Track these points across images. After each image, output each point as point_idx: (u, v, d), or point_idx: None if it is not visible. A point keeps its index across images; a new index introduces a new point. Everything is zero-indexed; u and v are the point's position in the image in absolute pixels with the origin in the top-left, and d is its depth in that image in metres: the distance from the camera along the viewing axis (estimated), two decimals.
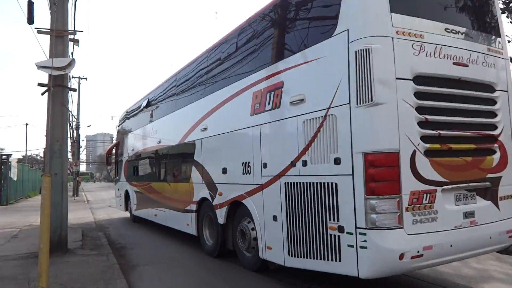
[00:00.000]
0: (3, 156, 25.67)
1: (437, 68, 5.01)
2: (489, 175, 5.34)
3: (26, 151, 64.48)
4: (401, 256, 4.49)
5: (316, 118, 5.23)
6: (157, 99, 11.51)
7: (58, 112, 8.30)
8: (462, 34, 5.35)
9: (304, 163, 5.41)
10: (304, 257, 5.43)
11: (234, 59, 7.31)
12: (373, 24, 4.76)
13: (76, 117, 34.93)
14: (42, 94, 8.25)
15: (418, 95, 4.86)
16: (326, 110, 5.07)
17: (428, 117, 4.91)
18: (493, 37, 5.82)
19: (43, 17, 10.22)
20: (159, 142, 10.97)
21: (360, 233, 4.65)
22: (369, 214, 4.57)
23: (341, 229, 4.89)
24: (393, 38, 4.76)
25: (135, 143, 13.48)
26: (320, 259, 5.18)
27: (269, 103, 6.12)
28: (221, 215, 7.52)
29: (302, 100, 5.47)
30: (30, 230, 11.77)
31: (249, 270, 6.96)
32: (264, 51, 6.42)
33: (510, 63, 6.91)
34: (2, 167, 24.29)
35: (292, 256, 5.64)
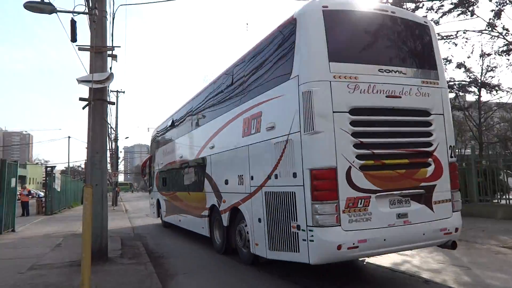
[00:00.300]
0: (48, 168, 26.85)
1: (370, 101, 6.32)
2: (423, 184, 6.56)
3: (68, 163, 67.09)
4: (339, 247, 5.86)
5: (282, 141, 6.66)
6: (178, 120, 13.51)
7: (98, 125, 8.63)
8: (395, 72, 6.65)
9: (276, 176, 6.84)
10: (278, 250, 6.80)
11: (229, 92, 9.11)
12: (315, 71, 6.19)
13: (114, 129, 36.06)
14: (83, 108, 8.60)
15: (354, 123, 6.19)
16: (287, 135, 6.51)
17: (363, 140, 6.22)
18: (429, 70, 7.04)
19: (83, 35, 10.66)
20: (181, 157, 12.77)
21: (309, 230, 6.01)
22: (314, 215, 5.94)
23: (298, 227, 6.24)
24: (330, 81, 6.15)
25: (163, 157, 15.45)
26: (288, 251, 6.52)
27: (253, 128, 7.67)
28: (225, 219, 9.05)
29: (273, 127, 6.96)
30: (73, 239, 12.21)
31: (244, 264, 8.34)
32: (248, 87, 8.07)
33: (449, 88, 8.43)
34: (47, 178, 25.45)
35: (271, 250, 7.02)
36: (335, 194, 5.94)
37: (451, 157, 6.91)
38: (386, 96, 6.44)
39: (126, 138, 58.06)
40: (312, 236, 5.96)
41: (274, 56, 7.23)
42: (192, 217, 11.74)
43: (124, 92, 36.96)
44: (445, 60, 15.93)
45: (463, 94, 20.89)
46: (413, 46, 7.17)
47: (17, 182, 15.33)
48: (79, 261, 7.73)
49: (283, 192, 6.61)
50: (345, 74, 6.26)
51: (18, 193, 18.95)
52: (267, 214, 7.10)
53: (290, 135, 6.45)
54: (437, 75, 7.05)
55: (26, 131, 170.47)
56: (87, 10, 8.80)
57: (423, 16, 13.32)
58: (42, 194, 33.04)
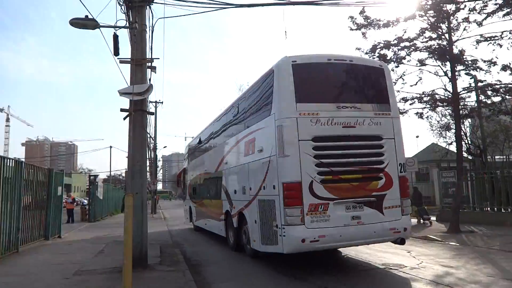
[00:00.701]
0: (91, 177, 27.82)
1: (329, 131, 8.38)
2: (375, 193, 8.45)
3: (110, 171, 68.76)
4: (303, 240, 7.86)
5: (266, 161, 8.79)
6: (203, 139, 16.25)
7: (138, 135, 8.88)
8: (351, 108, 8.64)
9: (264, 188, 8.96)
10: (266, 245, 8.82)
11: (236, 120, 11.54)
12: (285, 110, 8.35)
13: (153, 138, 36.93)
14: (124, 118, 8.89)
15: (316, 148, 8.22)
16: (269, 157, 8.65)
17: (323, 160, 8.23)
18: (382, 104, 8.92)
19: (123, 49, 11.02)
20: (205, 170, 15.21)
21: (283, 228, 8.02)
22: (285, 217, 7.97)
23: (277, 226, 8.24)
24: (297, 118, 8.26)
25: (193, 170, 18.23)
26: (272, 244, 8.53)
27: (250, 150, 9.89)
28: (235, 221, 11.04)
29: (261, 150, 9.12)
30: (114, 245, 12.59)
31: (249, 256, 10.28)
32: (247, 118, 10.39)
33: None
34: (90, 186, 26.43)
35: (263, 244, 9.02)
36: (300, 201, 7.98)
37: (401, 172, 8.75)
38: (343, 127, 8.46)
39: (164, 147, 58.76)
40: (284, 232, 8.00)
41: (261, 96, 9.49)
42: (214, 221, 13.86)
43: (162, 102, 38.07)
44: (489, 62, 15.28)
45: (510, 97, 19.93)
46: (368, 86, 9.17)
47: (63, 190, 16.02)
48: (120, 267, 7.94)
49: (268, 200, 8.69)
50: (309, 111, 8.35)
51: (63, 200, 19.66)
52: (259, 217, 9.18)
53: (271, 157, 8.59)
54: (389, 108, 8.97)
55: (71, 142, 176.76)
56: (127, 25, 9.13)
57: (461, 20, 15.01)
58: (85, 202, 34.26)
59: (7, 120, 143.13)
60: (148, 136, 30.20)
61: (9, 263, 9.67)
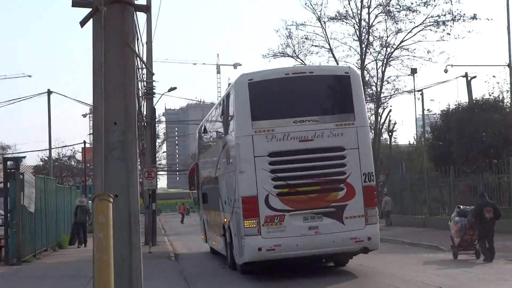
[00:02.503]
0: (9, 163, 12.95)
1: (285, 146, 9.12)
2: (334, 204, 9.06)
3: (50, 149, 30.45)
4: (259, 249, 8.89)
5: (234, 174, 9.66)
6: (208, 127, 14.28)
7: (114, 59, 3.88)
8: (309, 121, 9.22)
9: (236, 200, 9.57)
10: (239, 256, 9.60)
11: (218, 125, 12.26)
12: (241, 129, 9.35)
13: (147, 66, 15.83)
14: (83, 23, 3.93)
15: (273, 163, 9.06)
16: (234, 171, 9.59)
17: (279, 174, 9.07)
18: (346, 114, 9.37)
19: None
20: (209, 172, 13.46)
21: (243, 238, 9.05)
22: (244, 228, 8.99)
23: (241, 237, 9.15)
24: (252, 135, 9.14)
25: (203, 167, 14.78)
26: (241, 256, 9.45)
27: (230, 159, 10.24)
28: (228, 235, 10.87)
29: (232, 163, 9.86)
30: None
31: (240, 272, 10.31)
32: (224, 126, 11.16)
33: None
34: (8, 183, 12.38)
35: (239, 256, 9.69)
36: (257, 214, 8.92)
37: (365, 182, 9.13)
38: (299, 141, 9.11)
39: (171, 89, 24.64)
40: (244, 242, 9.03)
41: (226, 111, 10.56)
42: (218, 237, 12.40)
43: None
44: None
45: None
46: (330, 96, 9.82)
47: None
48: None
49: (238, 212, 9.44)
50: (264, 128, 9.11)
51: None
52: (236, 229, 9.73)
53: (235, 171, 9.49)
54: (353, 117, 9.29)
55: None
56: None
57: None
58: None
59: None
60: (138, 62, 9.92)
61: None
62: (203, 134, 14.96)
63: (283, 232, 8.79)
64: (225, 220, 10.85)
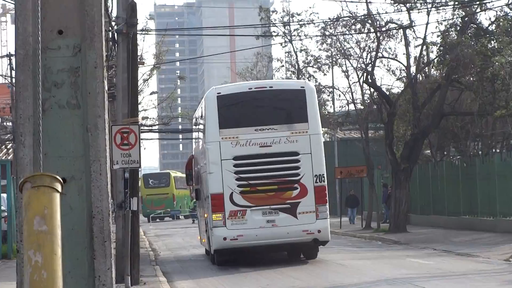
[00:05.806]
0: None
1: (248, 151, 11.30)
2: (289, 201, 11.21)
3: None
4: (224, 239, 10.95)
5: (205, 174, 11.89)
6: (197, 115, 15.03)
7: None
8: (268, 130, 11.35)
9: (208, 197, 11.79)
10: (211, 246, 11.70)
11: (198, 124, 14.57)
12: (210, 136, 11.57)
13: None
14: None
15: (237, 165, 11.23)
16: (206, 172, 11.64)
17: (242, 175, 11.25)
18: (300, 123, 11.43)
19: None
20: (200, 165, 13.62)
21: (212, 229, 11.17)
22: (212, 220, 11.21)
23: (211, 228, 11.24)
24: (219, 141, 11.27)
25: (197, 160, 14.51)
26: (211, 246, 11.51)
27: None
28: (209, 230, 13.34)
29: (205, 163, 11.93)
30: None
31: (217, 264, 12.28)
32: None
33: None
34: None
35: (212, 247, 11.65)
36: (222, 208, 11.06)
37: (316, 182, 11.16)
38: (260, 146, 11.22)
39: None
40: (212, 233, 11.14)
41: (202, 119, 12.67)
42: (205, 234, 13.09)
43: None
44: None
45: None
46: (287, 108, 11.85)
47: None
48: None
49: (207, 207, 11.67)
50: (229, 136, 11.27)
51: None
52: (208, 222, 11.74)
53: (206, 172, 11.63)
54: (307, 126, 11.39)
55: None
56: None
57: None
58: None
59: None
60: None
61: None
62: (195, 127, 15.59)
63: (245, 225, 11.06)
64: (206, 215, 12.50)
